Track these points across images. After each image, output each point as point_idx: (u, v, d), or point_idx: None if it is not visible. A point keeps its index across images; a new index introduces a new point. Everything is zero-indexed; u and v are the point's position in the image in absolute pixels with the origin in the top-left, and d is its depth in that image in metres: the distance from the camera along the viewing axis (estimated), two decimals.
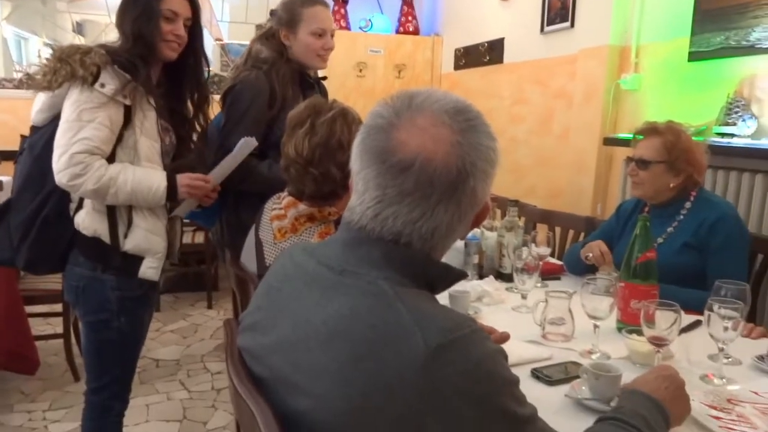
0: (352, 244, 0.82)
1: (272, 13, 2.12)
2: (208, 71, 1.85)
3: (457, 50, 4.80)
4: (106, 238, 1.62)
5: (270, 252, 1.47)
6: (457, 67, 4.81)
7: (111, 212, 1.63)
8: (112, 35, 1.73)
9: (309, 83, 2.10)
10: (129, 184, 1.58)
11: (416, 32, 5.09)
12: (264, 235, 1.51)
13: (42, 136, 1.63)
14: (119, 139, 1.60)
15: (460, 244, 1.96)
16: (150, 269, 1.68)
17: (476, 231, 2.02)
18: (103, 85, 1.54)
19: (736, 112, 2.46)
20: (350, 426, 0.71)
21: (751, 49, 2.46)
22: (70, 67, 1.53)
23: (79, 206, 1.63)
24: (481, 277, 1.94)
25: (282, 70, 2.00)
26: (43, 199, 1.62)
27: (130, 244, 1.64)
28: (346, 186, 1.38)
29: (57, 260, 1.67)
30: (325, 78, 2.33)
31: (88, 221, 1.62)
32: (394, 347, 0.70)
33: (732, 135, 2.44)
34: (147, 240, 1.66)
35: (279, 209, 1.49)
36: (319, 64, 2.08)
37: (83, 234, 1.62)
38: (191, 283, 4.28)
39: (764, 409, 1.10)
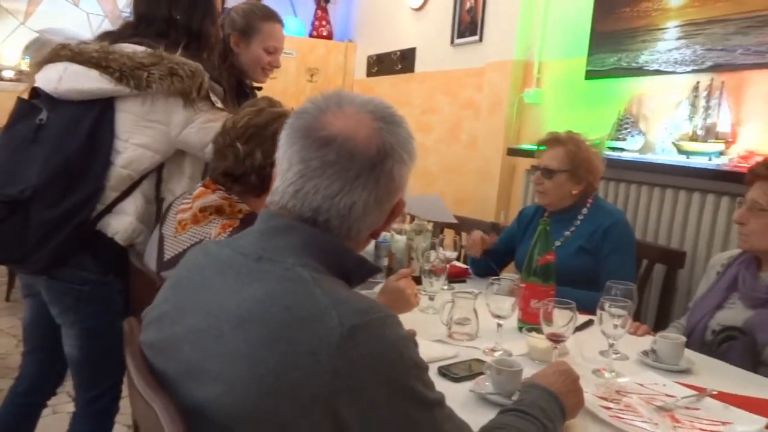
0: (269, 233, 0.83)
1: (224, 10, 2.07)
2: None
3: (369, 57, 4.85)
4: (141, 246, 1.54)
5: (170, 246, 1.41)
6: (369, 73, 4.86)
7: (153, 221, 1.58)
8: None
9: (245, 92, 2.09)
10: None
11: (329, 37, 5.09)
12: (166, 230, 1.45)
13: (82, 123, 1.48)
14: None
15: (370, 246, 1.98)
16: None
17: (386, 234, 2.05)
18: (215, 103, 1.60)
19: (626, 128, 2.66)
20: (262, 409, 0.70)
21: (640, 71, 2.67)
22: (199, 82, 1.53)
23: (107, 210, 1.51)
24: None
25: (224, 76, 1.97)
26: (84, 200, 1.46)
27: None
28: (261, 177, 1.37)
29: (57, 262, 1.49)
30: (260, 88, 2.32)
31: (130, 231, 1.53)
32: (310, 328, 0.71)
33: (622, 149, 2.63)
34: (135, 229, 1.57)
35: (186, 203, 1.44)
36: (261, 78, 2.11)
37: (113, 241, 1.50)
38: None
39: (648, 398, 1.19)
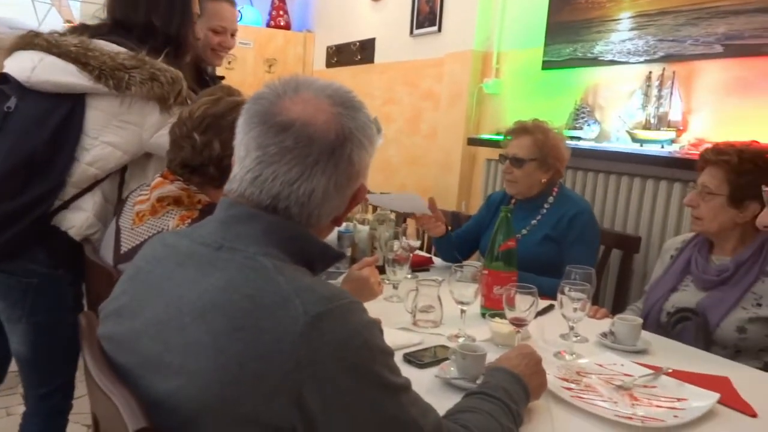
0: (229, 222, 0.81)
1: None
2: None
3: (329, 48, 4.81)
4: (96, 241, 1.50)
5: (127, 238, 1.37)
6: (329, 64, 4.83)
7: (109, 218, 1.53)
8: None
9: (205, 80, 2.06)
10: None
11: (287, 27, 5.03)
12: (123, 222, 1.41)
13: (52, 116, 1.44)
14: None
15: (333, 236, 1.97)
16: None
17: (349, 224, 2.04)
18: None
19: (582, 118, 2.71)
20: (226, 399, 0.69)
21: (595, 61, 2.73)
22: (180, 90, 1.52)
23: (64, 206, 1.47)
24: None
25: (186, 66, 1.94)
26: (44, 194, 1.43)
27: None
28: (220, 168, 1.34)
29: (8, 255, 1.45)
30: (222, 77, 2.30)
31: (85, 226, 1.50)
32: (273, 316, 0.70)
33: (579, 138, 2.68)
34: (90, 226, 1.54)
35: (144, 194, 1.40)
36: (213, 60, 2.09)
37: (67, 236, 1.47)
38: None
39: (608, 378, 1.22)
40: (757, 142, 1.73)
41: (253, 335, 0.69)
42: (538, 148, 2.01)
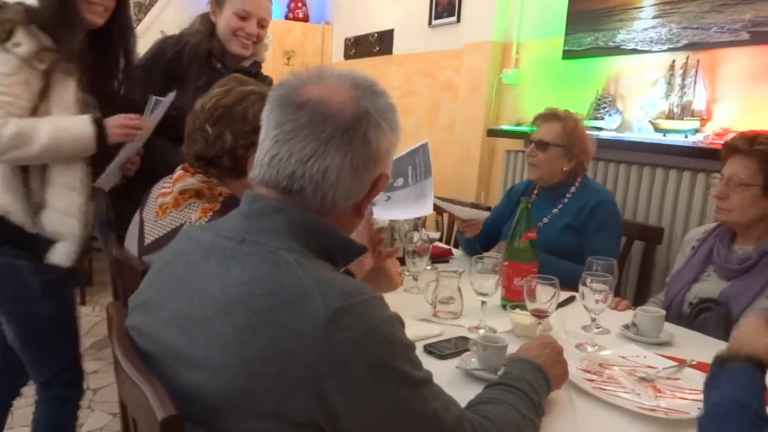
0: (252, 215, 0.82)
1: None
2: (134, 36, 1.71)
3: (347, 40, 4.81)
4: (16, 217, 1.48)
5: (151, 230, 1.39)
6: (347, 56, 4.82)
7: (24, 189, 1.49)
8: None
9: (216, 69, 1.94)
10: (50, 125, 1.43)
11: (306, 19, 5.03)
12: (147, 214, 1.43)
13: None
14: (33, 109, 1.46)
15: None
16: (63, 254, 1.54)
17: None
18: (17, 45, 1.38)
19: (604, 108, 2.68)
20: (250, 392, 0.70)
21: (617, 50, 2.69)
22: None
23: None
24: None
25: (196, 42, 1.89)
26: None
27: (42, 226, 1.50)
28: (234, 158, 1.35)
29: None
30: (250, 72, 2.03)
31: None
32: (294, 311, 0.71)
33: (600, 128, 2.65)
34: (61, 222, 1.52)
35: (167, 187, 1.41)
36: (236, 48, 1.92)
37: (15, 223, 1.47)
38: None
39: (630, 370, 1.22)
40: None
41: (275, 330, 0.70)
42: (566, 135, 2.01)
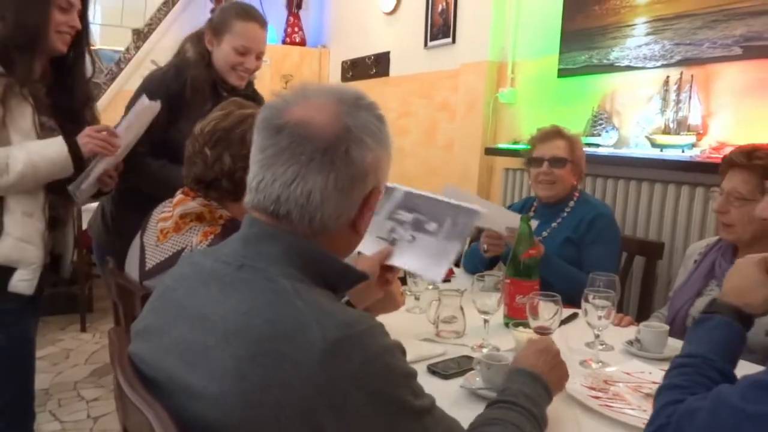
0: (251, 240, 0.81)
1: (212, 11, 2.04)
2: (94, 64, 1.70)
3: (344, 62, 4.86)
4: None
5: (152, 255, 1.39)
6: (344, 78, 4.87)
7: None
8: None
9: (222, 96, 1.92)
10: (22, 152, 1.41)
11: (303, 43, 5.09)
12: (147, 239, 1.43)
13: None
14: None
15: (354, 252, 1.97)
16: (22, 282, 1.51)
17: None
18: None
19: (600, 124, 2.70)
20: (248, 422, 0.69)
21: (611, 67, 2.72)
22: None
23: None
24: None
25: (197, 74, 1.88)
26: None
27: None
28: (233, 181, 1.35)
29: None
30: (247, 95, 2.04)
31: None
32: (293, 342, 0.70)
33: (597, 145, 2.67)
34: (18, 249, 1.49)
35: (168, 211, 1.42)
36: (233, 80, 1.94)
37: None
38: (62, 305, 3.93)
39: (635, 387, 1.21)
40: None
41: (273, 361, 0.69)
42: (573, 150, 2.05)
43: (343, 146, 0.79)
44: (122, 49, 4.76)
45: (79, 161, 1.53)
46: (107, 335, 0.94)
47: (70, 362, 3.25)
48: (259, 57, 1.97)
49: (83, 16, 1.59)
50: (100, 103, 4.63)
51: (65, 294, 3.87)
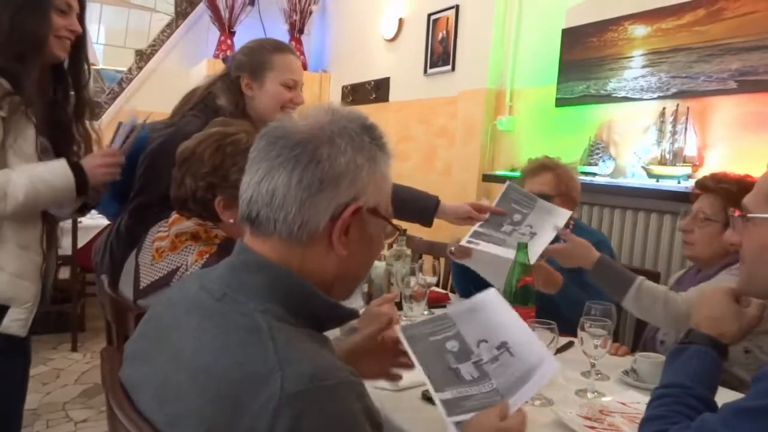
0: (237, 269, 0.79)
1: (226, 59, 1.87)
2: (89, 71, 1.59)
3: (344, 87, 4.90)
4: None
5: (146, 273, 1.38)
6: (344, 103, 4.88)
7: None
8: None
9: None
10: (24, 178, 1.32)
11: (304, 68, 5.13)
12: (142, 258, 1.42)
13: None
14: None
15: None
16: (15, 322, 1.41)
17: None
18: None
19: (597, 154, 2.72)
20: None
21: (608, 98, 2.75)
22: None
23: None
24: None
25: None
26: None
27: None
28: (196, 200, 1.34)
29: None
30: None
31: None
32: (254, 390, 0.66)
33: (594, 174, 2.69)
34: (12, 286, 1.40)
35: (163, 230, 1.42)
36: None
37: None
38: (54, 324, 3.89)
39: (631, 417, 1.20)
40: (750, 176, 1.74)
41: (233, 408, 0.66)
42: (563, 182, 2.04)
43: (311, 144, 0.75)
44: (125, 69, 4.82)
45: (84, 188, 1.44)
46: (98, 356, 0.93)
47: (59, 382, 3.21)
48: (301, 88, 1.87)
49: (81, 19, 1.51)
50: (101, 122, 4.67)
51: (57, 312, 3.84)
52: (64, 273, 3.66)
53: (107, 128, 1.76)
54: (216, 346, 0.71)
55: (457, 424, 0.92)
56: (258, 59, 1.78)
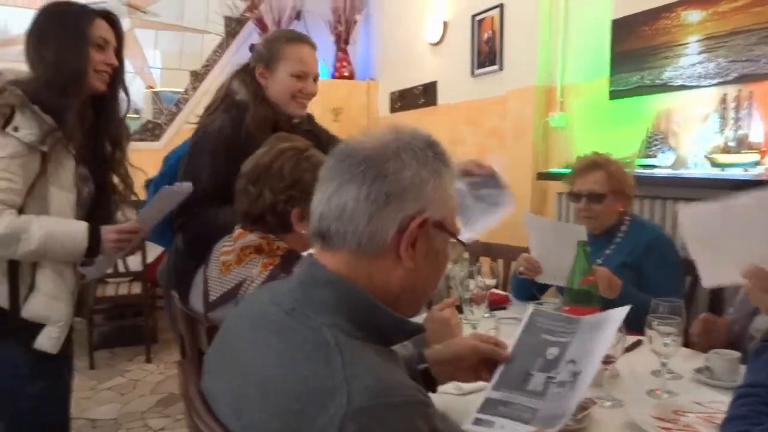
0: (306, 284, 0.81)
1: (251, 48, 1.94)
2: (129, 101, 1.69)
3: (392, 94, 4.93)
4: (3, 302, 1.45)
5: (215, 287, 1.44)
6: (393, 110, 4.94)
7: (12, 273, 1.46)
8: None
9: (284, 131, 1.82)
10: (43, 233, 1.41)
11: (351, 77, 5.20)
12: (210, 272, 1.48)
13: None
14: (29, 190, 1.44)
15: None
16: (49, 340, 1.49)
17: None
18: (16, 129, 1.38)
19: (656, 145, 2.64)
20: None
21: (665, 87, 2.67)
22: None
23: None
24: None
25: (257, 115, 1.80)
26: None
27: (28, 310, 1.46)
28: (275, 214, 1.39)
29: None
30: (309, 130, 1.97)
31: None
32: (320, 404, 0.67)
33: (653, 166, 2.61)
34: (49, 306, 1.49)
35: (228, 245, 1.47)
36: (294, 109, 1.86)
37: None
38: (128, 337, 4.08)
39: (708, 417, 1.16)
40: None
41: (300, 422, 0.67)
42: (615, 179, 2.00)
43: (379, 160, 0.78)
44: (181, 89, 5.01)
45: (94, 252, 1.51)
46: (171, 366, 0.98)
47: (136, 392, 3.36)
48: (315, 80, 1.89)
49: (119, 53, 1.60)
50: (161, 142, 4.87)
51: (131, 326, 4.02)
52: (135, 288, 3.84)
53: (163, 149, 1.83)
54: (283, 360, 0.72)
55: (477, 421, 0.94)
56: (271, 48, 1.84)
